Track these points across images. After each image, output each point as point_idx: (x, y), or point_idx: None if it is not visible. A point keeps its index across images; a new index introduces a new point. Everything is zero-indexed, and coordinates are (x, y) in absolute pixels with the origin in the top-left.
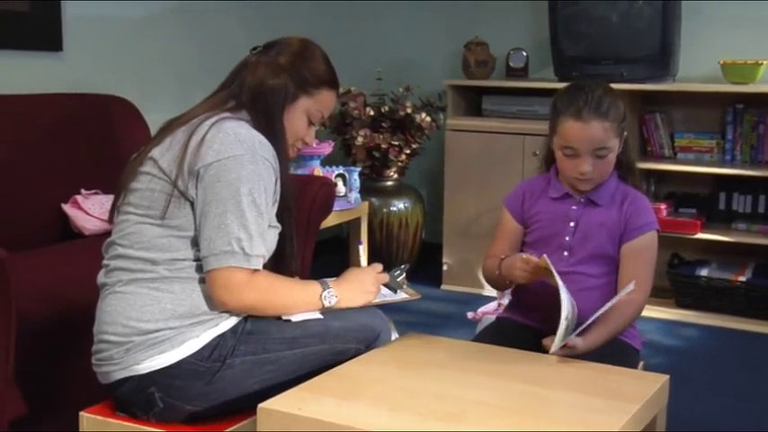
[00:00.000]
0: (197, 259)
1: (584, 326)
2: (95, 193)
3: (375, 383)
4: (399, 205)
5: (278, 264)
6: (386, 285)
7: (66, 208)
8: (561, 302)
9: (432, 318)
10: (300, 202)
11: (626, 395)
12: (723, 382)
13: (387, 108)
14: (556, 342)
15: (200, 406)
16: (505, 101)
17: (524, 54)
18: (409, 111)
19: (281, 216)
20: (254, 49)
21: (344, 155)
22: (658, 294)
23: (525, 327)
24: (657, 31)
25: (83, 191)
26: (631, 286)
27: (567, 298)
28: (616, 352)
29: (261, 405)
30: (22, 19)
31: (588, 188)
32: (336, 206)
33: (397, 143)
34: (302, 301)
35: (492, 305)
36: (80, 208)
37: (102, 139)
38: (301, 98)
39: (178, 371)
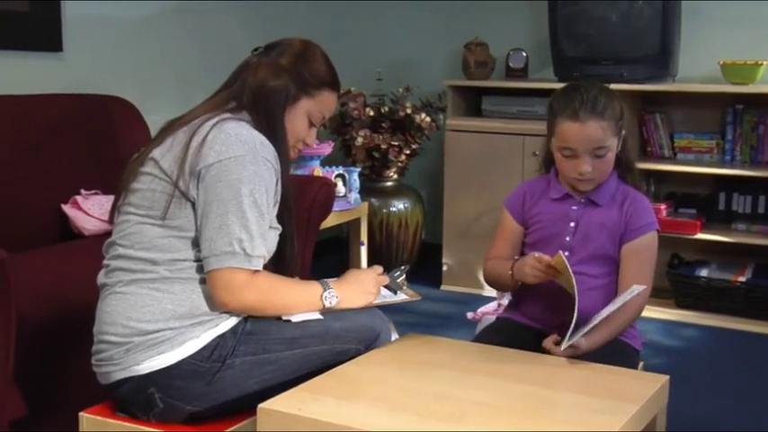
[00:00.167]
0: (197, 260)
1: (589, 326)
2: (95, 194)
3: (375, 384)
4: (399, 206)
5: (278, 265)
6: (386, 287)
7: (66, 208)
8: (575, 301)
9: (432, 318)
10: (300, 203)
11: (626, 395)
12: (723, 382)
13: (386, 108)
14: (565, 341)
15: (200, 406)
16: (505, 101)
17: (524, 54)
18: (409, 111)
19: (281, 217)
20: (256, 49)
21: (344, 155)
22: (658, 295)
23: (525, 327)
24: (657, 32)
25: (82, 191)
26: (637, 288)
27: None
28: (616, 352)
29: (261, 405)
30: (21, 19)
31: (588, 188)
32: (336, 206)
33: (396, 143)
34: (303, 301)
35: (492, 305)
36: (80, 208)
37: (102, 140)
38: (302, 99)
39: (178, 371)
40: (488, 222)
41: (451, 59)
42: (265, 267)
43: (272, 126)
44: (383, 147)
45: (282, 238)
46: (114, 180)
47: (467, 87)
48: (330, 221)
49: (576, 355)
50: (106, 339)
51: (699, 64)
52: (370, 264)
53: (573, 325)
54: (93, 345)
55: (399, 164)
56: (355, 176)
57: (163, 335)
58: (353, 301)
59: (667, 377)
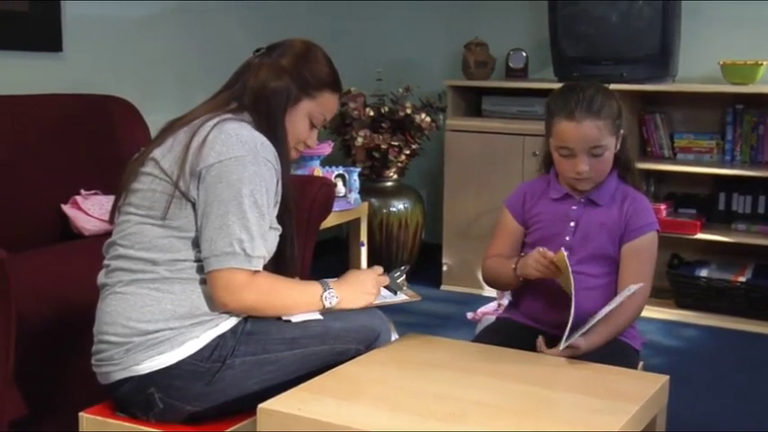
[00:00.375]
0: (198, 260)
1: (587, 327)
2: (95, 194)
3: (375, 384)
4: (399, 206)
5: (278, 265)
6: (386, 287)
7: (66, 208)
8: (572, 301)
9: (431, 318)
10: (300, 203)
11: (626, 395)
12: (723, 382)
13: (386, 108)
14: (564, 339)
15: (199, 406)
16: (505, 101)
17: (524, 54)
18: (409, 111)
19: (281, 218)
20: (258, 50)
21: (344, 155)
22: (658, 295)
23: (525, 327)
24: (657, 32)
25: (82, 191)
26: (633, 288)
27: (575, 298)
28: (616, 352)
29: (261, 405)
30: (21, 19)
31: (587, 187)
32: (336, 207)
33: (396, 144)
34: (303, 301)
35: (492, 305)
36: (80, 208)
37: (102, 140)
38: (303, 101)
39: (178, 371)
40: (488, 222)
41: (451, 59)
42: (265, 268)
43: (272, 127)
44: (383, 147)
45: (282, 238)
46: (114, 180)
47: (467, 87)
48: (330, 222)
49: (576, 356)
50: (106, 339)
51: (699, 64)
52: (370, 264)
53: (570, 325)
54: (93, 345)
55: (399, 164)
56: (355, 176)
57: (163, 335)
58: (353, 301)
59: (667, 377)
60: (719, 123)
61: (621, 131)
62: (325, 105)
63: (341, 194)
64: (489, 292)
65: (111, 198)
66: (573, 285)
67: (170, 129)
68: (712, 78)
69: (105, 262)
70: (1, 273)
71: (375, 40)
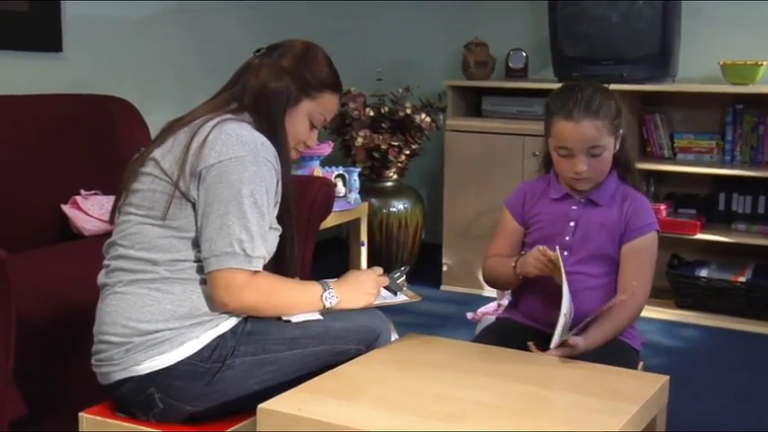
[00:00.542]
0: (198, 260)
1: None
2: (95, 194)
3: (375, 384)
4: (399, 206)
5: (278, 266)
6: (386, 287)
7: (66, 209)
8: (562, 298)
9: (431, 318)
10: (300, 203)
11: (626, 396)
12: (723, 382)
13: (386, 109)
14: (555, 338)
15: (199, 406)
16: (505, 101)
17: (524, 54)
18: (409, 111)
19: (281, 218)
20: (258, 50)
21: (344, 155)
22: (658, 295)
23: (525, 327)
24: (657, 32)
25: (82, 191)
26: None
27: (568, 295)
28: (616, 352)
29: (261, 405)
30: (21, 19)
31: (586, 187)
32: (336, 207)
33: (396, 144)
34: (303, 301)
35: (491, 306)
36: (80, 208)
37: (102, 140)
38: (303, 101)
39: (178, 372)
40: (488, 222)
41: (451, 59)
42: (265, 268)
43: (272, 127)
44: (383, 147)
45: (282, 238)
46: (114, 180)
47: (467, 87)
48: (330, 222)
49: (574, 355)
50: (106, 339)
51: (699, 64)
52: (370, 264)
53: (560, 324)
54: (93, 345)
55: (399, 164)
56: (355, 177)
57: (163, 335)
58: (353, 301)
59: (667, 377)
60: (719, 123)
61: (621, 131)
62: (325, 106)
63: (341, 194)
64: (489, 292)
65: (111, 198)
66: (565, 284)
67: (170, 129)
68: (712, 78)
69: (105, 262)
70: (1, 273)
71: (375, 41)
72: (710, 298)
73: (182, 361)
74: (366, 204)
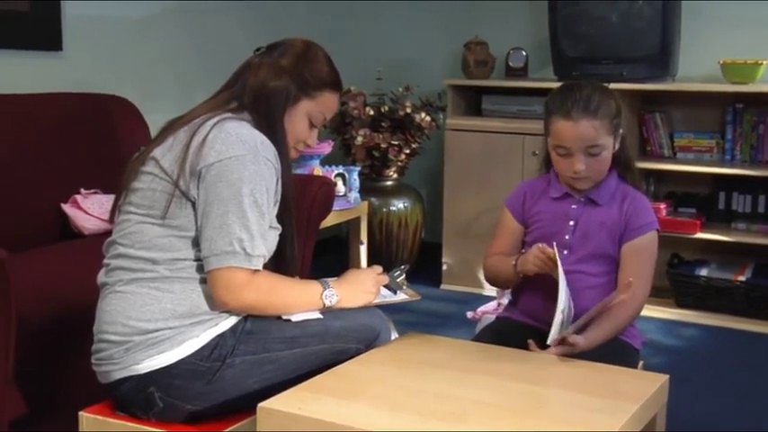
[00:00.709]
0: (197, 259)
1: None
2: (95, 193)
3: (375, 383)
4: (399, 205)
5: (278, 265)
6: (386, 286)
7: (66, 208)
8: (558, 294)
9: (431, 317)
10: (300, 202)
11: (626, 395)
12: (723, 381)
13: (386, 108)
14: (552, 333)
15: (200, 405)
16: (505, 100)
17: (524, 54)
18: (409, 110)
19: (281, 217)
20: (258, 50)
21: (344, 154)
22: (658, 294)
23: (525, 326)
24: (657, 31)
25: (82, 190)
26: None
27: (565, 291)
28: (616, 351)
29: (261, 404)
30: (21, 19)
31: (585, 187)
32: (336, 206)
33: (396, 143)
34: (303, 300)
35: (491, 305)
36: (79, 207)
37: (102, 139)
38: (303, 100)
39: (178, 370)
40: (488, 221)
41: (451, 59)
42: (265, 267)
43: (272, 126)
44: (383, 146)
45: (282, 237)
46: (114, 179)
47: (467, 87)
48: (330, 221)
49: (574, 354)
50: (106, 338)
51: (699, 63)
52: (369, 263)
53: (559, 319)
54: (93, 344)
55: (399, 163)
56: (355, 176)
57: (162, 334)
58: (353, 300)
59: (667, 377)
60: (719, 123)
61: (621, 131)
62: (324, 105)
63: (341, 194)
64: (489, 291)
65: (111, 197)
66: (562, 280)
67: (170, 128)
68: (712, 78)
69: (105, 261)
70: (1, 272)
71: (375, 40)
72: (710, 297)
73: (182, 360)
74: (366, 203)
